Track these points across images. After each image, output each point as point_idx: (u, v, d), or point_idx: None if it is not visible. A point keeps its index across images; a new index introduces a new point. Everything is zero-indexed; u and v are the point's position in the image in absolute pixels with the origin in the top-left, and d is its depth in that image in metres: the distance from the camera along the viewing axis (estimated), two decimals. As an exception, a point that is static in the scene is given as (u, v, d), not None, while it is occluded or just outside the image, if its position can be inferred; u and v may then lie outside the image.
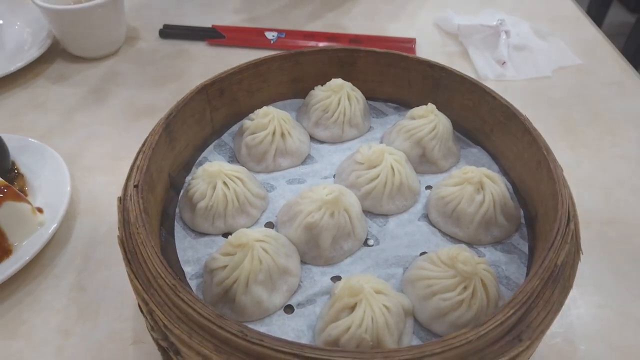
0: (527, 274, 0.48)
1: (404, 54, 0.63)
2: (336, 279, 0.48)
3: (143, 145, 0.51)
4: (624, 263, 0.58)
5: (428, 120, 0.57)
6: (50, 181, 0.63)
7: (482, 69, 0.85)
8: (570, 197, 0.47)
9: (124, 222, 0.46)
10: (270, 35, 0.92)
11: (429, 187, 0.57)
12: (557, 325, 0.52)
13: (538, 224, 0.50)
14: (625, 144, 0.72)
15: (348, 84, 0.62)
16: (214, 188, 0.51)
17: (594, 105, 0.79)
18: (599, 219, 0.62)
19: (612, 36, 0.96)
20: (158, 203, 0.52)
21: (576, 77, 0.84)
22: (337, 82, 0.62)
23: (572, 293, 0.54)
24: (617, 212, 0.63)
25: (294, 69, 0.65)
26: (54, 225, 0.57)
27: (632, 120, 0.76)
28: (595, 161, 0.70)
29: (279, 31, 0.93)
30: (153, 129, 0.52)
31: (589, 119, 0.77)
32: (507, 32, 0.88)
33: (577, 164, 0.69)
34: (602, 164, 0.69)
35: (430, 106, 0.58)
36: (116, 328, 0.52)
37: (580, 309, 0.53)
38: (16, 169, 0.65)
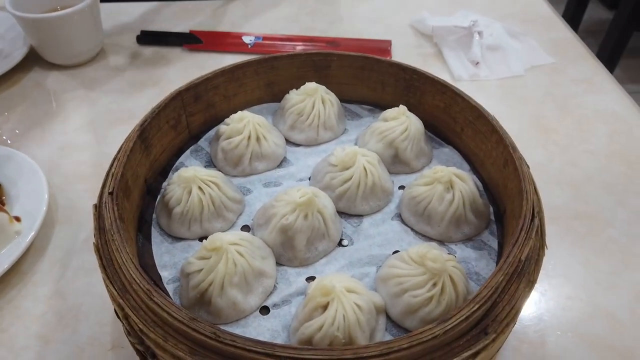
0: (496, 270, 0.49)
1: (377, 57, 0.64)
2: (311, 279, 0.49)
3: (118, 152, 0.52)
4: (593, 256, 0.59)
5: (400, 122, 0.59)
6: (27, 189, 0.63)
7: (456, 69, 0.86)
8: (536, 194, 0.48)
9: (100, 229, 0.46)
10: (247, 39, 0.93)
11: (402, 187, 0.58)
12: (528, 319, 0.53)
13: (506, 221, 0.52)
14: (595, 140, 0.74)
15: (322, 88, 0.63)
16: (190, 193, 0.52)
17: (564, 102, 0.81)
18: (569, 214, 0.64)
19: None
20: (134, 209, 0.53)
21: (548, 76, 0.87)
22: (311, 85, 0.63)
23: (543, 285, 0.57)
24: (586, 206, 0.65)
25: (269, 73, 0.66)
26: (32, 234, 0.58)
27: (600, 117, 0.78)
28: (565, 157, 0.72)
29: (257, 35, 0.94)
30: (128, 136, 0.53)
31: (560, 116, 0.78)
32: (480, 33, 0.89)
33: (548, 161, 0.71)
34: (572, 160, 0.71)
35: (402, 108, 0.59)
36: (95, 333, 0.52)
37: (550, 301, 0.55)
38: (-7, 178, 0.65)
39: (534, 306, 0.54)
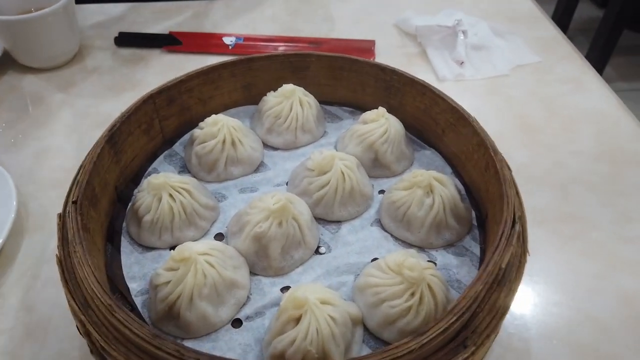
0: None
1: (355, 57, 0.62)
2: (286, 289, 0.47)
3: (85, 159, 0.50)
4: (579, 260, 0.58)
5: (379, 124, 0.57)
6: (-5, 198, 0.61)
7: (440, 69, 0.85)
8: (518, 198, 0.47)
9: (63, 239, 0.44)
10: (228, 40, 0.91)
11: (382, 192, 0.56)
12: (512, 326, 0.52)
13: (488, 226, 0.50)
14: (581, 141, 0.73)
15: (300, 89, 0.62)
16: (160, 200, 0.50)
17: (550, 102, 0.80)
18: (554, 216, 0.62)
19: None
20: (103, 218, 0.51)
21: (534, 75, 0.85)
22: (288, 87, 0.61)
23: (527, 291, 0.55)
24: (572, 208, 0.63)
25: (246, 75, 0.64)
26: (-1, 244, 0.55)
27: (587, 117, 0.76)
28: (551, 158, 0.70)
29: (237, 36, 0.92)
30: (96, 142, 0.51)
31: (546, 116, 0.77)
32: (464, 32, 0.88)
33: (533, 161, 0.70)
34: (557, 161, 0.70)
35: (381, 110, 0.58)
36: (65, 348, 0.50)
37: (535, 307, 0.53)
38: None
39: (518, 313, 0.53)
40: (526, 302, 0.54)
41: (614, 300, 0.54)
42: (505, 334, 0.51)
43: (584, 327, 0.52)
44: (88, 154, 0.50)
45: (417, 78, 0.59)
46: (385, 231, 0.52)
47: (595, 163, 0.69)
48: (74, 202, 0.45)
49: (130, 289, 0.47)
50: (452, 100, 0.56)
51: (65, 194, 0.65)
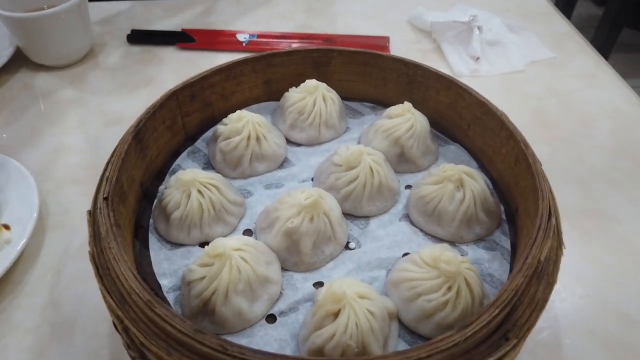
0: (510, 270, 0.47)
1: (379, 52, 0.62)
2: (318, 284, 0.47)
3: (112, 155, 0.49)
4: (604, 254, 0.58)
5: (405, 119, 0.57)
6: (16, 196, 0.60)
7: (456, 65, 0.84)
8: (550, 192, 0.47)
9: (95, 236, 0.44)
10: (242, 37, 0.91)
11: (408, 187, 0.56)
12: (542, 320, 0.51)
13: (519, 220, 0.50)
14: (599, 135, 0.73)
15: (323, 85, 0.61)
16: (189, 197, 0.49)
17: (567, 97, 0.80)
18: (577, 211, 0.62)
19: (580, 29, 0.97)
20: (130, 214, 0.50)
21: (549, 71, 0.85)
22: (311, 83, 0.61)
23: (555, 286, 0.55)
24: (594, 203, 0.63)
25: (267, 70, 0.64)
26: (22, 242, 0.55)
27: (604, 112, 0.76)
28: (570, 153, 0.70)
29: (251, 33, 0.92)
30: (122, 138, 0.51)
31: (563, 112, 0.77)
32: (479, 28, 0.88)
33: (553, 157, 0.69)
34: (577, 156, 0.70)
35: (407, 104, 0.57)
36: (93, 346, 0.50)
37: (564, 302, 0.53)
38: (-22, 184, 0.62)
39: (548, 307, 0.53)
40: (555, 296, 0.54)
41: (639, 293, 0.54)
42: (536, 328, 0.51)
43: (613, 320, 0.52)
44: (115, 149, 0.49)
45: (442, 73, 0.58)
46: (414, 226, 0.52)
47: (616, 158, 0.69)
48: (105, 199, 0.44)
49: (161, 285, 0.46)
50: (479, 94, 0.56)
51: (83, 191, 0.65)
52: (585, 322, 0.52)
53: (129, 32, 0.92)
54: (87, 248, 0.58)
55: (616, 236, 0.60)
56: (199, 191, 0.50)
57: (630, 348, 0.49)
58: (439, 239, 0.51)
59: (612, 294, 0.54)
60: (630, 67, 2.14)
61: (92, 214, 0.45)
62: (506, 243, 0.50)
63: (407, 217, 0.53)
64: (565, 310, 0.53)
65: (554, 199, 0.47)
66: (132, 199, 0.51)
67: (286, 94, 0.63)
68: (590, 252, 0.58)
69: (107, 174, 0.47)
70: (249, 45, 0.89)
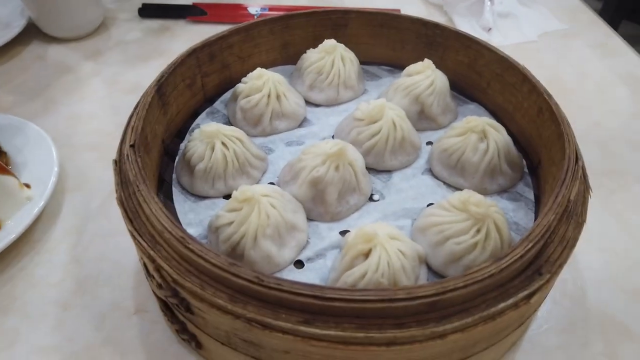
0: (536, 220, 0.47)
1: (397, 13, 0.62)
2: (344, 233, 0.47)
3: (136, 107, 0.49)
4: (625, 210, 0.58)
5: (425, 76, 0.57)
6: (35, 158, 0.60)
7: (469, 35, 0.84)
8: (575, 138, 0.47)
9: (122, 183, 0.44)
10: (253, 10, 0.91)
11: (429, 143, 0.56)
12: (566, 271, 0.51)
13: (542, 171, 0.50)
14: (616, 101, 0.73)
15: (341, 45, 0.61)
16: (213, 149, 0.49)
17: (581, 66, 0.80)
18: (597, 171, 0.62)
19: (587, 1, 0.97)
20: (154, 168, 0.50)
21: (562, 41, 0.85)
22: (330, 43, 0.61)
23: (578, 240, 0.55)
24: (614, 164, 0.63)
25: (284, 32, 0.64)
26: (43, 200, 0.55)
27: (619, 79, 0.77)
28: (588, 118, 0.70)
29: (262, 6, 0.92)
30: (145, 91, 0.51)
31: (578, 80, 0.77)
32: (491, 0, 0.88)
33: (571, 121, 0.69)
34: (595, 121, 0.70)
35: (427, 61, 0.57)
36: (117, 298, 0.50)
37: (586, 255, 0.53)
38: (-3, 146, 0.62)
39: (572, 259, 0.53)
40: (577, 249, 0.54)
41: (662, 246, 0.54)
42: (559, 280, 0.51)
43: (636, 271, 0.52)
44: (139, 102, 0.49)
45: (462, 31, 0.58)
46: (437, 179, 0.52)
47: (633, 121, 0.69)
48: (132, 146, 0.44)
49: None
50: (500, 50, 0.55)
51: (100, 157, 0.65)
52: (610, 274, 0.52)
53: (140, 6, 0.92)
54: (106, 209, 0.59)
55: (636, 194, 0.60)
56: (223, 143, 0.50)
57: (654, 298, 0.50)
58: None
59: (634, 247, 0.54)
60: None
61: (119, 163, 0.45)
62: (530, 194, 0.50)
63: (429, 171, 0.53)
64: (588, 262, 0.53)
65: (577, 145, 0.47)
66: (155, 153, 0.51)
67: (304, 55, 0.62)
68: (612, 208, 0.58)
69: (132, 123, 0.47)
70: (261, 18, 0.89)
